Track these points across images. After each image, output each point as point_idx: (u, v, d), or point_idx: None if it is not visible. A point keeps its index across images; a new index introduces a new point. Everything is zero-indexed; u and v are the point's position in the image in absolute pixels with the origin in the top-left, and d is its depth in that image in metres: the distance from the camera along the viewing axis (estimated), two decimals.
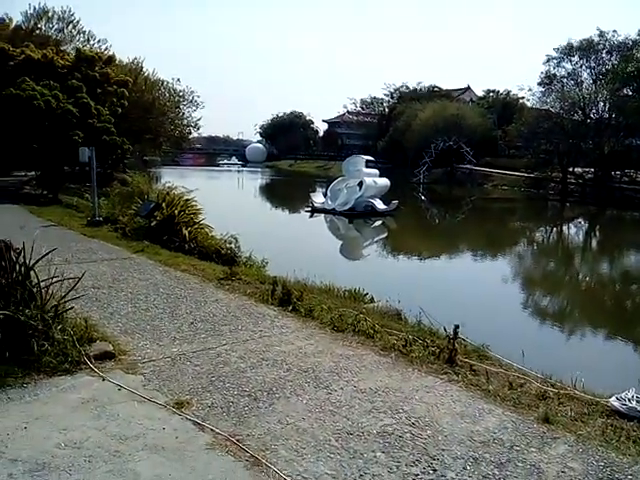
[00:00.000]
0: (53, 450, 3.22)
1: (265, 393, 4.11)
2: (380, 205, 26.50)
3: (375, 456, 3.29)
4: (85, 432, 3.43)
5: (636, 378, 4.59)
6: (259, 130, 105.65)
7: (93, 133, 19.27)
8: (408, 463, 3.23)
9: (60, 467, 3.05)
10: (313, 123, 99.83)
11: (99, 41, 36.02)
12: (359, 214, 25.65)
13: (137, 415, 3.68)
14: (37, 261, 4.95)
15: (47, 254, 5.20)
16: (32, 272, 4.83)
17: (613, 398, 4.06)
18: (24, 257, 4.82)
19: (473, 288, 13.09)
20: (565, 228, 30.41)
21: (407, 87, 75.71)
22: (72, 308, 5.04)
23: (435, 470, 3.17)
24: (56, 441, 3.32)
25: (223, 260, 10.20)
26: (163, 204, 11.61)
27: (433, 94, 69.31)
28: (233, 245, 11.07)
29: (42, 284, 4.85)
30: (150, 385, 4.18)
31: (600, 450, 3.45)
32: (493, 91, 68.04)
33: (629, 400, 3.96)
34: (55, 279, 4.98)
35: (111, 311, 6.02)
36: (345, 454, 3.30)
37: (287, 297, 6.55)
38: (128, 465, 3.09)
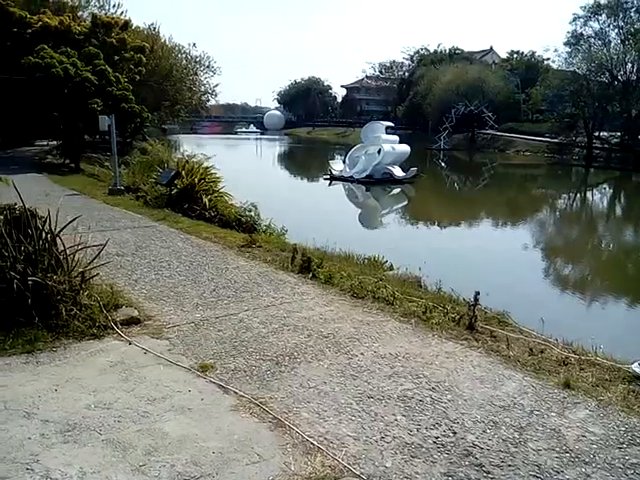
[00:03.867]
0: (83, 411, 3.34)
1: (287, 358, 4.18)
2: (398, 172, 26.22)
3: (396, 419, 3.35)
4: (114, 394, 3.55)
5: None
6: (277, 97, 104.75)
7: (112, 101, 19.29)
8: (428, 426, 3.28)
9: (91, 427, 3.16)
10: (331, 89, 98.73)
11: (114, 6, 35.62)
12: (377, 181, 25.42)
13: (163, 378, 3.79)
14: (62, 229, 5.04)
15: (72, 222, 5.30)
16: (58, 239, 4.92)
17: (635, 364, 4.04)
18: (49, 225, 4.91)
19: (494, 256, 13.01)
20: (589, 194, 29.83)
21: (427, 50, 74.03)
22: (98, 275, 5.15)
23: (455, 433, 3.21)
24: (86, 402, 3.44)
25: (243, 228, 10.27)
26: (183, 172, 11.66)
27: (454, 56, 67.57)
28: (253, 213, 11.13)
29: (68, 251, 4.95)
30: (175, 349, 4.28)
31: (621, 415, 3.45)
32: (517, 52, 66.14)
33: None
34: (80, 246, 5.08)
35: (135, 278, 6.14)
36: (366, 417, 3.36)
37: (307, 264, 6.59)
38: (156, 425, 3.20)
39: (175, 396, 3.54)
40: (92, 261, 5.05)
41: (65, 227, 5.14)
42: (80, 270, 4.88)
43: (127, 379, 3.76)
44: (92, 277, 4.99)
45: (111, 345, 4.31)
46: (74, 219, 5.42)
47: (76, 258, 5.01)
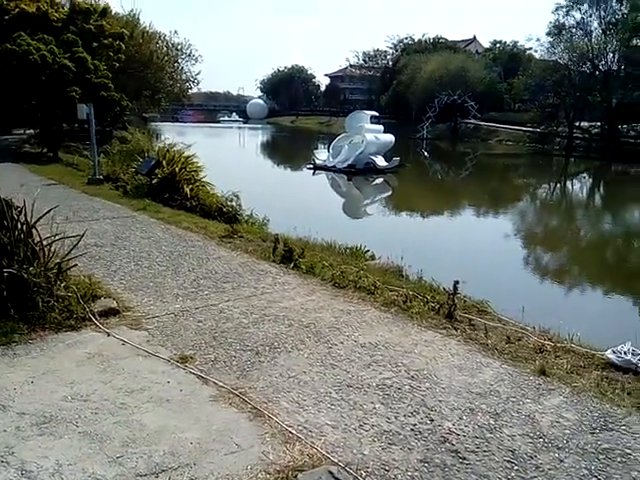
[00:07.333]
0: (60, 403, 3.31)
1: (267, 348, 4.18)
2: (381, 162, 26.23)
3: (374, 407, 3.38)
4: (91, 386, 3.52)
5: (632, 332, 4.64)
6: (260, 85, 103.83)
7: (91, 89, 18.88)
8: (406, 414, 3.31)
9: (67, 419, 3.14)
10: (315, 77, 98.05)
11: None
12: (359, 171, 25.39)
13: (142, 369, 3.77)
14: (38, 219, 4.95)
15: (48, 212, 5.21)
16: (34, 230, 4.84)
17: (609, 351, 4.12)
18: (25, 215, 4.83)
19: (475, 245, 13.13)
20: (569, 184, 30.22)
21: (412, 39, 73.82)
22: (75, 266, 5.09)
23: (432, 420, 3.25)
24: (63, 394, 3.40)
25: (225, 218, 10.21)
26: (164, 161, 11.54)
27: (438, 45, 67.55)
28: (234, 203, 11.08)
29: (44, 242, 4.87)
30: (154, 340, 4.25)
31: (595, 401, 3.53)
32: (500, 42, 66.26)
33: (625, 353, 4.02)
34: (57, 237, 5.01)
35: (114, 269, 6.08)
36: (345, 405, 3.39)
37: (289, 254, 6.58)
38: (134, 417, 3.19)
39: (154, 387, 3.53)
40: (69, 252, 4.98)
41: (42, 217, 5.04)
42: (57, 261, 4.81)
43: (105, 371, 3.73)
44: (69, 268, 4.92)
45: (89, 336, 4.27)
46: (51, 209, 5.32)
47: (53, 249, 4.93)
